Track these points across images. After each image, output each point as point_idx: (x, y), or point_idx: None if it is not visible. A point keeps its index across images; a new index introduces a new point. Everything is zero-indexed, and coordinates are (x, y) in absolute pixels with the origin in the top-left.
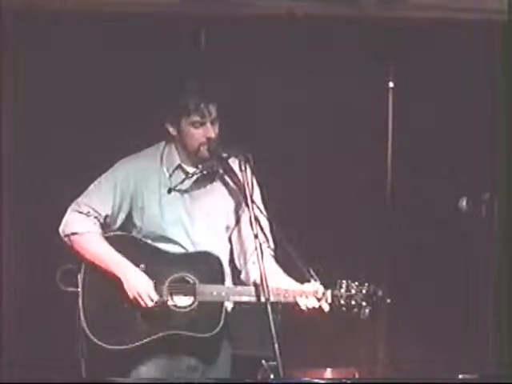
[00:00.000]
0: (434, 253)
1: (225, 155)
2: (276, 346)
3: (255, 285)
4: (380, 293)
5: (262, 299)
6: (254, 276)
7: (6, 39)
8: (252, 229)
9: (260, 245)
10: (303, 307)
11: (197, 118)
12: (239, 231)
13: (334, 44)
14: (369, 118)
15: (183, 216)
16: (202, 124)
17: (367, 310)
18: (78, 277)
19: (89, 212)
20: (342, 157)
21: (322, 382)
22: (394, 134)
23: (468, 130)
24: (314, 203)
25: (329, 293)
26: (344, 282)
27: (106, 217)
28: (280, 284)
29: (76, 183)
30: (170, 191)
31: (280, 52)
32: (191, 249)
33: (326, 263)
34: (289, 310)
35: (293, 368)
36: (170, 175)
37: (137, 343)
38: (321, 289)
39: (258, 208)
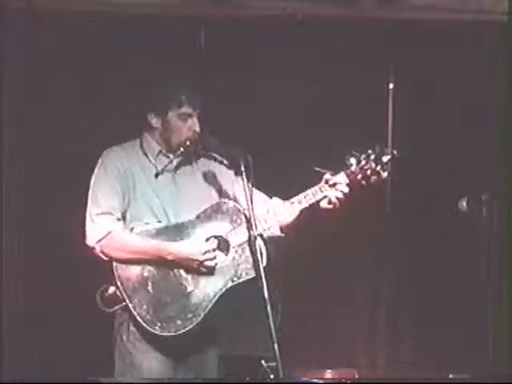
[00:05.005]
0: (434, 253)
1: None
2: (276, 346)
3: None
4: (388, 151)
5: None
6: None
7: (6, 39)
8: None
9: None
10: (326, 201)
11: (187, 110)
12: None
13: (333, 45)
14: (368, 119)
15: (173, 196)
16: (190, 116)
17: (385, 173)
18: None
19: (110, 212)
20: (341, 155)
21: (322, 382)
22: (394, 135)
23: (468, 131)
24: None
25: (343, 175)
26: (351, 158)
27: (122, 213)
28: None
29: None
30: (157, 175)
31: (280, 53)
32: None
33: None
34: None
35: (293, 367)
36: (155, 160)
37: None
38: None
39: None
